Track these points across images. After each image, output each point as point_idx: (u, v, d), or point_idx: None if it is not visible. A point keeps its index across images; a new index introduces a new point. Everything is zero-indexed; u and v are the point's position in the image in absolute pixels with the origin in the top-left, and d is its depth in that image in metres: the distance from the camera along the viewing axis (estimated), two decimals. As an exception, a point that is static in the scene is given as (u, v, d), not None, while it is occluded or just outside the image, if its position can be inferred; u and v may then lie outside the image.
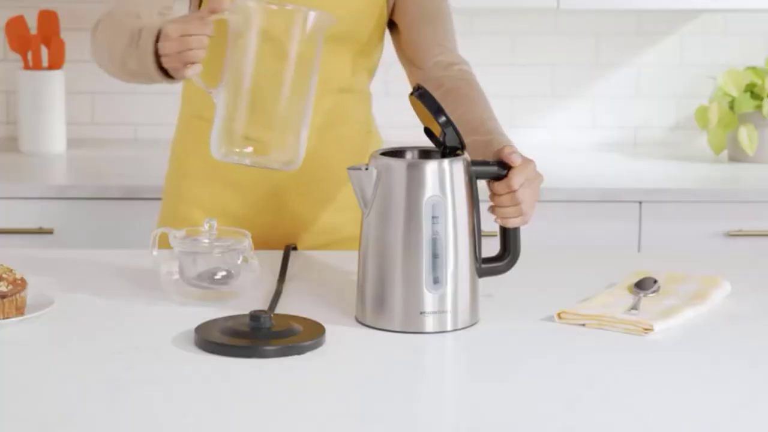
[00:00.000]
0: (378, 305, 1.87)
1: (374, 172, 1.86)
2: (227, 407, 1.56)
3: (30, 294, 1.93)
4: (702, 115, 3.63)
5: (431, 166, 1.85)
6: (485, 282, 1.93)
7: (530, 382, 1.67)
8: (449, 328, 1.87)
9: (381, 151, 1.90)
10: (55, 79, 3.55)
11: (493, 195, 1.95)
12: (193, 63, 1.96)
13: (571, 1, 3.46)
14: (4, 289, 1.86)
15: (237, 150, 2.00)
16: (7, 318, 1.85)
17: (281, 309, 1.93)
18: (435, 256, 1.85)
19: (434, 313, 1.86)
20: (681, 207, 3.25)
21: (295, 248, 2.28)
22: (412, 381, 1.69)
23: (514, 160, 1.92)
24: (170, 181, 2.44)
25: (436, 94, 2.24)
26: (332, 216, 2.37)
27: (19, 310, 1.87)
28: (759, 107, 3.52)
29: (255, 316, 1.79)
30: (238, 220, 2.29)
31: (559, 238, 3.22)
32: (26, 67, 3.57)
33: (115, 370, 1.69)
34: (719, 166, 3.54)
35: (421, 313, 1.85)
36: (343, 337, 1.83)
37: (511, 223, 1.94)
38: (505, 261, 1.95)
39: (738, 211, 3.25)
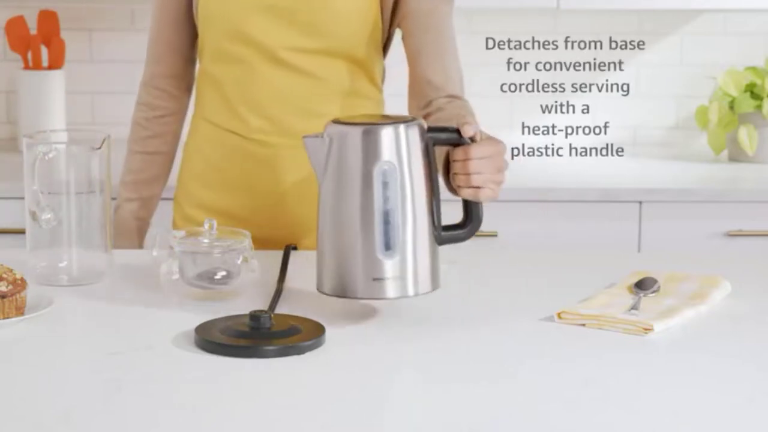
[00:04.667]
0: (337, 273, 1.86)
1: (328, 139, 1.85)
2: (227, 407, 1.56)
3: (30, 294, 1.93)
4: (702, 115, 3.63)
5: (386, 132, 1.84)
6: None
7: (529, 382, 1.67)
8: (411, 293, 1.86)
9: (337, 120, 1.89)
10: (55, 79, 3.55)
11: (452, 160, 1.92)
12: None
13: (571, 1, 3.45)
14: (4, 289, 1.86)
15: None
16: (7, 318, 1.85)
17: (281, 309, 1.93)
18: (386, 222, 1.84)
19: (392, 278, 1.85)
20: (681, 207, 3.25)
21: (295, 248, 2.27)
22: (411, 381, 1.69)
23: (467, 131, 1.90)
24: (179, 181, 2.46)
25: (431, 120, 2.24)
26: None
27: (19, 310, 1.87)
28: (759, 107, 3.52)
29: (255, 316, 1.79)
30: (240, 222, 2.29)
31: (559, 238, 3.22)
32: (26, 67, 3.57)
33: (115, 370, 1.69)
34: (719, 166, 3.53)
35: (378, 279, 1.85)
36: (343, 337, 1.82)
37: (463, 193, 1.91)
38: (467, 229, 1.92)
39: (738, 211, 3.25)
